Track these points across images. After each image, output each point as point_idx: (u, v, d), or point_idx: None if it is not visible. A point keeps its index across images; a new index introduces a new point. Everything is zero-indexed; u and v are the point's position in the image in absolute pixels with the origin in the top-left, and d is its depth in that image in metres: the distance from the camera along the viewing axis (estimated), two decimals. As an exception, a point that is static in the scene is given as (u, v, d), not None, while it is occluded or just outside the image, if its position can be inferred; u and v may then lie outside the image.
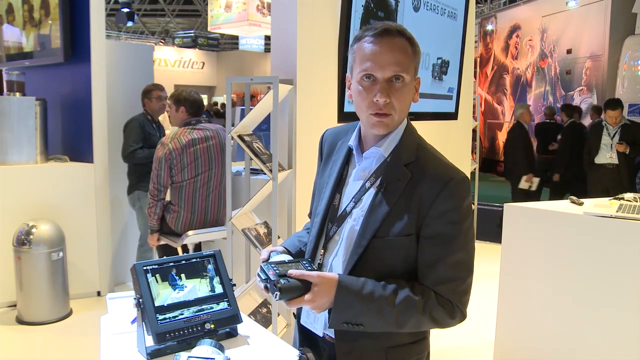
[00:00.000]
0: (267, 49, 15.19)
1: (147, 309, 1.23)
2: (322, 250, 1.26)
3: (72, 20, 4.03)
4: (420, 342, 1.26)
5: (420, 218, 1.15)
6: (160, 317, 1.24)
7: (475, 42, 11.38)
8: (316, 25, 2.75)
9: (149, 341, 1.23)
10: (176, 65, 18.28)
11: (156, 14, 18.30)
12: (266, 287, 1.13)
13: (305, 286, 1.11)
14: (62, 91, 4.27)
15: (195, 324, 1.26)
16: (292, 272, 1.11)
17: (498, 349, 2.96)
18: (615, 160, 5.49)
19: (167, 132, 3.99)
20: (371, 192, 1.20)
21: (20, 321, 3.54)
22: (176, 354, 1.11)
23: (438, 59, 3.62)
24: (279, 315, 2.66)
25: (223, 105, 12.87)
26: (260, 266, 1.17)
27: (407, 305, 1.12)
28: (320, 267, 1.25)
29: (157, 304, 1.25)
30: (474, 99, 5.09)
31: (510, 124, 11.49)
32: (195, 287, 1.32)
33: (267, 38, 13.20)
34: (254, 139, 2.69)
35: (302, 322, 1.31)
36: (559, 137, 6.73)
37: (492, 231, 3.77)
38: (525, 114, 6.17)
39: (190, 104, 3.34)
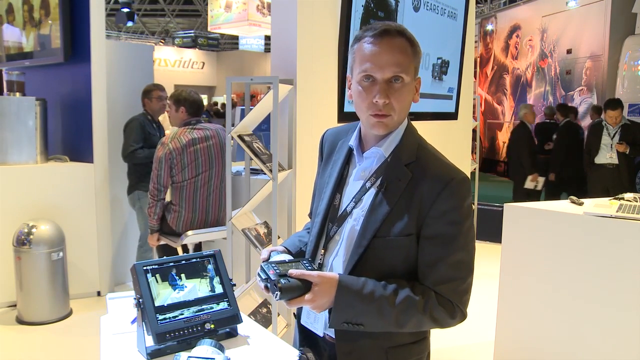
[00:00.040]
0: (267, 49, 15.20)
1: (147, 309, 1.23)
2: (323, 250, 1.26)
3: (72, 20, 4.03)
4: (421, 342, 1.26)
5: (420, 218, 1.15)
6: (160, 317, 1.24)
7: (475, 42, 11.38)
8: (316, 25, 2.75)
9: (149, 341, 1.23)
10: (176, 65, 18.28)
11: (156, 14, 18.31)
12: (266, 287, 1.13)
13: (305, 286, 1.11)
14: (62, 91, 4.27)
15: (195, 324, 1.26)
16: (293, 271, 1.11)
17: (498, 349, 2.96)
18: (615, 160, 5.49)
19: (167, 132, 3.99)
20: (372, 192, 1.20)
21: (20, 321, 3.54)
22: (176, 354, 1.11)
23: (438, 59, 3.62)
24: (279, 315, 2.66)
25: (223, 105, 12.87)
26: (261, 266, 1.17)
27: (407, 305, 1.12)
28: (320, 267, 1.25)
29: (157, 304, 1.25)
30: (474, 99, 5.09)
31: (511, 124, 11.52)
32: (195, 287, 1.32)
33: (267, 38, 13.20)
34: (254, 139, 2.69)
35: (302, 322, 1.31)
36: (554, 136, 6.74)
37: (492, 231, 3.77)
38: (529, 114, 6.18)
39: (190, 104, 3.34)
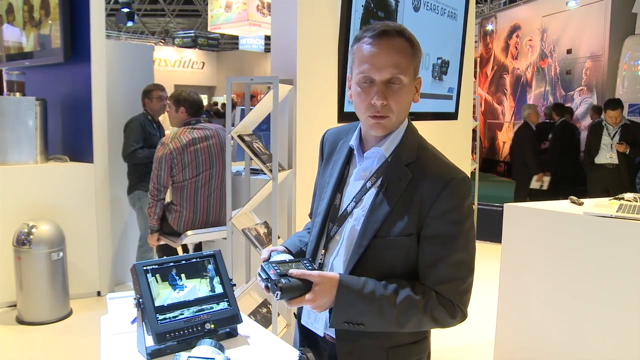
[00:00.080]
0: (267, 49, 15.19)
1: (147, 309, 1.23)
2: (323, 250, 1.26)
3: (72, 20, 4.03)
4: (421, 342, 1.26)
5: (421, 218, 1.15)
6: (160, 317, 1.24)
7: (475, 42, 11.38)
8: (316, 25, 2.75)
9: (149, 341, 1.23)
10: (176, 65, 18.28)
11: (156, 14, 18.30)
12: (267, 287, 1.13)
13: (306, 286, 1.11)
14: (62, 91, 4.27)
15: (195, 324, 1.26)
16: (293, 271, 1.11)
17: (498, 349, 2.96)
18: (615, 160, 5.49)
19: (166, 132, 3.99)
20: (372, 192, 1.20)
21: (20, 321, 3.54)
22: (176, 354, 1.11)
23: (438, 59, 3.62)
24: (279, 315, 2.66)
25: (223, 105, 12.87)
26: (261, 266, 1.17)
27: (408, 305, 1.12)
28: (321, 267, 1.25)
29: (157, 304, 1.25)
30: (474, 99, 5.09)
31: (511, 124, 11.51)
32: (195, 287, 1.32)
33: (267, 38, 13.20)
34: (254, 139, 2.69)
35: (302, 322, 1.31)
36: (550, 136, 6.75)
37: (492, 231, 3.77)
38: (532, 114, 6.18)
39: (190, 105, 3.35)
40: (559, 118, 6.82)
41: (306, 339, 1.32)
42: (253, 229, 2.66)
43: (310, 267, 1.16)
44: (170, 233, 3.28)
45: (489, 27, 12.54)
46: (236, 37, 15.83)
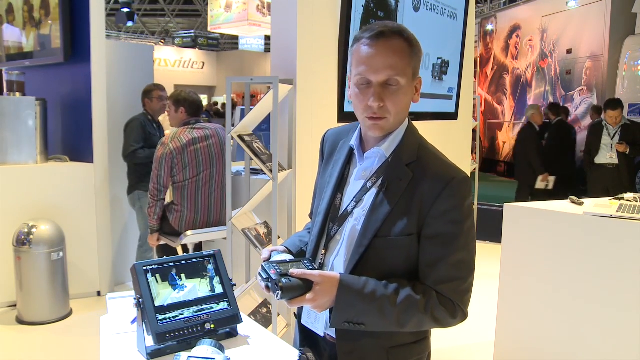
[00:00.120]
0: (267, 49, 15.19)
1: (147, 309, 1.23)
2: (324, 250, 1.26)
3: (72, 20, 4.03)
4: (422, 342, 1.26)
5: (421, 218, 1.15)
6: (160, 317, 1.24)
7: (475, 42, 11.38)
8: (316, 25, 2.75)
9: (149, 341, 1.23)
10: (176, 65, 18.29)
11: (156, 14, 18.31)
12: (267, 287, 1.13)
13: (306, 285, 1.11)
14: (62, 91, 4.27)
15: (195, 324, 1.26)
16: (294, 271, 1.11)
17: (498, 349, 2.96)
18: (615, 160, 5.49)
19: (166, 132, 3.99)
20: (372, 192, 1.20)
21: (20, 321, 3.54)
22: (176, 354, 1.11)
23: (438, 59, 3.62)
24: (279, 315, 2.66)
25: (223, 105, 12.87)
26: (262, 265, 1.17)
27: (408, 305, 1.12)
28: (321, 267, 1.25)
29: (157, 304, 1.25)
30: (474, 99, 5.09)
31: (511, 124, 11.52)
32: (195, 287, 1.32)
33: (267, 38, 13.20)
34: (254, 139, 2.69)
35: (303, 321, 1.31)
36: (546, 135, 6.76)
37: (492, 231, 3.77)
38: (536, 114, 6.17)
39: (189, 105, 3.35)
40: (555, 118, 6.83)
41: (306, 339, 1.32)
42: (253, 229, 2.66)
43: (310, 267, 1.16)
44: (171, 233, 3.28)
45: (489, 27, 12.54)
46: (236, 37, 15.83)
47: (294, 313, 1.37)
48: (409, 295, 1.12)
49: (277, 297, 1.09)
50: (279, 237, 2.64)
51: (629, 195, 2.86)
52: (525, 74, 11.00)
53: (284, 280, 1.10)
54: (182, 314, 1.27)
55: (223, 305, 1.33)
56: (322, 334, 1.27)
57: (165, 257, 1.35)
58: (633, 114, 7.62)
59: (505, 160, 11.73)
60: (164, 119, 4.28)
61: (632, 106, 7.74)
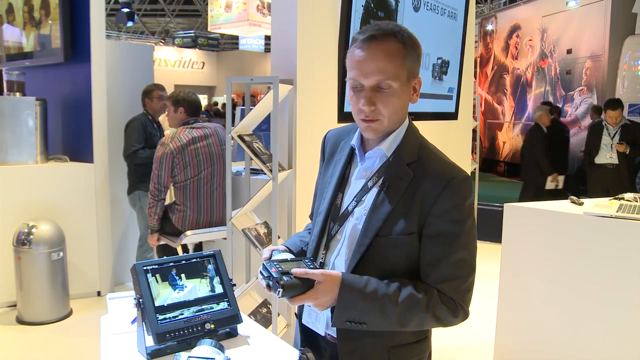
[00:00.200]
0: (267, 49, 15.20)
1: (147, 309, 1.23)
2: (324, 250, 1.26)
3: (72, 20, 4.03)
4: (422, 341, 1.26)
5: (422, 217, 1.15)
6: (160, 317, 1.24)
7: (475, 42, 11.38)
8: (316, 25, 2.75)
9: (149, 341, 1.23)
10: (176, 65, 18.29)
11: (156, 14, 18.31)
12: (268, 286, 1.13)
13: (308, 283, 1.11)
14: (62, 91, 4.27)
15: (195, 324, 1.26)
16: (296, 270, 1.11)
17: (498, 349, 2.96)
18: (615, 160, 5.49)
19: (166, 132, 4.00)
20: (373, 192, 1.20)
21: (20, 321, 3.54)
22: (176, 354, 1.11)
23: (438, 59, 3.62)
24: (279, 315, 2.66)
25: (224, 105, 12.86)
26: (263, 264, 1.17)
27: (410, 304, 1.12)
28: (322, 266, 1.25)
29: (157, 304, 1.25)
30: (474, 99, 5.09)
31: (511, 124, 11.52)
32: (195, 287, 1.32)
33: (267, 38, 13.20)
34: (254, 139, 2.69)
35: (303, 321, 1.31)
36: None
37: (492, 231, 3.78)
38: (544, 115, 6.16)
39: (188, 105, 3.36)
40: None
41: (307, 338, 1.32)
42: (253, 229, 2.66)
43: (311, 266, 1.16)
44: (172, 233, 3.28)
45: (489, 27, 12.54)
46: (236, 37, 15.84)
47: (295, 313, 1.37)
48: (410, 294, 1.13)
49: (278, 295, 1.09)
50: (279, 237, 2.64)
51: (629, 195, 2.86)
52: (525, 74, 11.00)
53: (285, 278, 1.10)
54: (182, 314, 1.27)
55: (223, 305, 1.33)
56: (322, 334, 1.27)
57: (165, 257, 1.35)
58: (633, 114, 7.62)
59: (505, 160, 11.74)
60: (163, 119, 4.28)
61: (632, 106, 7.74)
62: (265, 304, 2.77)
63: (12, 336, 3.39)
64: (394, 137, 1.22)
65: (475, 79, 12.18)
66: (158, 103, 4.04)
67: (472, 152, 5.29)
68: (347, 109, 2.72)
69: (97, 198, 4.00)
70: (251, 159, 2.65)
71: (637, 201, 2.77)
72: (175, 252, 3.44)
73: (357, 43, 1.16)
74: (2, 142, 3.81)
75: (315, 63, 2.75)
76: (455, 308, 1.15)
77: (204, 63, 19.04)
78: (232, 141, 2.70)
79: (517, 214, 2.85)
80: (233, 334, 1.35)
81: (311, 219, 1.43)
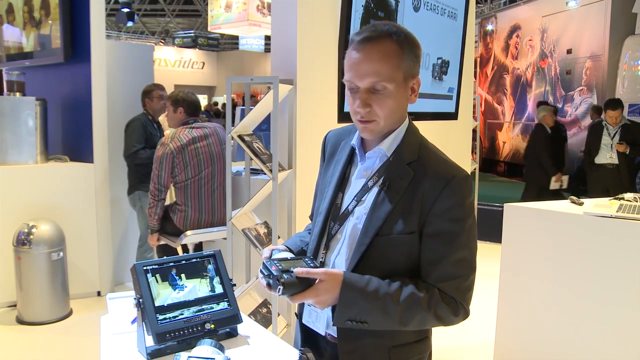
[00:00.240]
0: (267, 49, 15.20)
1: (147, 309, 1.23)
2: (324, 249, 1.26)
3: (72, 20, 4.03)
4: (423, 341, 1.26)
5: (423, 216, 1.15)
6: (160, 317, 1.24)
7: (475, 42, 11.38)
8: (316, 26, 2.75)
9: (149, 341, 1.23)
10: (176, 65, 18.29)
11: (156, 14, 18.31)
12: (269, 284, 1.13)
13: (308, 281, 1.11)
14: (62, 91, 4.27)
15: (195, 324, 1.26)
16: (298, 270, 1.11)
17: (498, 349, 2.96)
18: (615, 160, 5.49)
19: (166, 132, 4.00)
20: (374, 191, 1.20)
21: (20, 321, 3.54)
22: (176, 354, 1.11)
23: (438, 59, 3.62)
24: (279, 315, 2.66)
25: (224, 105, 12.87)
26: (263, 263, 1.17)
27: (412, 302, 1.12)
28: (322, 265, 1.25)
29: (157, 304, 1.25)
30: (474, 99, 5.09)
31: (511, 124, 11.52)
32: (195, 287, 1.32)
33: (267, 38, 13.21)
34: (254, 139, 2.69)
35: (304, 321, 1.31)
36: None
37: (492, 231, 3.78)
38: (548, 116, 6.16)
39: (188, 105, 3.36)
40: None
41: (307, 338, 1.32)
42: (253, 229, 2.66)
43: (311, 265, 1.16)
44: (171, 233, 3.28)
45: (489, 27, 12.54)
46: (236, 37, 15.84)
47: (295, 313, 1.37)
48: (412, 293, 1.13)
49: (278, 292, 1.09)
50: (279, 237, 2.64)
51: (629, 195, 2.86)
52: (525, 74, 11.01)
53: (285, 276, 1.09)
54: (182, 314, 1.27)
55: (223, 305, 1.33)
56: (323, 333, 1.27)
57: (165, 257, 1.35)
58: (633, 114, 7.62)
59: (505, 160, 11.74)
60: (163, 119, 4.28)
61: (632, 106, 7.74)
62: (265, 304, 2.77)
63: (12, 336, 3.39)
64: (394, 136, 1.22)
65: (475, 79, 12.18)
66: (158, 103, 4.04)
67: (472, 152, 5.29)
68: (347, 109, 2.72)
69: (97, 198, 4.00)
70: (251, 159, 2.65)
71: (637, 201, 2.77)
72: (175, 252, 3.44)
73: (353, 44, 1.16)
74: (2, 142, 3.81)
75: (315, 63, 2.75)
76: (456, 307, 1.15)
77: (204, 63, 19.04)
78: (232, 141, 2.70)
79: (517, 214, 2.85)
80: (233, 334, 1.35)
81: (311, 220, 1.43)
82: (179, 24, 19.32)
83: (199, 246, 3.47)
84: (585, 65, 9.00)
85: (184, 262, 1.34)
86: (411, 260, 1.18)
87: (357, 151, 1.27)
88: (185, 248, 3.59)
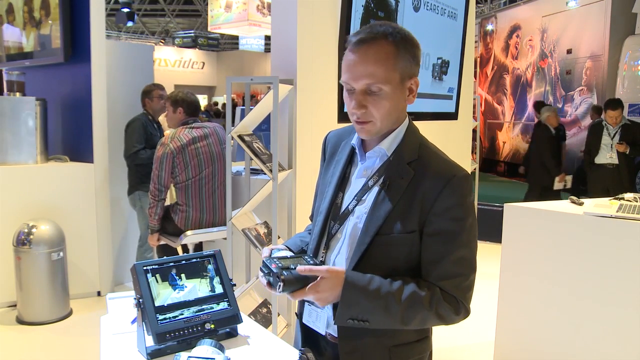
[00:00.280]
0: (267, 49, 15.20)
1: (147, 309, 1.23)
2: (325, 248, 1.26)
3: (72, 20, 4.03)
4: (423, 340, 1.26)
5: (423, 215, 1.16)
6: (160, 317, 1.24)
7: (475, 42, 11.38)
8: (316, 25, 2.75)
9: (149, 341, 1.23)
10: (176, 65, 18.30)
11: (156, 14, 18.31)
12: (269, 283, 1.13)
13: (309, 278, 1.10)
14: (62, 91, 4.27)
15: (195, 324, 1.26)
16: (300, 267, 1.11)
17: (498, 349, 2.96)
18: (615, 160, 5.49)
19: (165, 133, 4.00)
20: (374, 190, 1.21)
21: (20, 321, 3.54)
22: (176, 354, 1.11)
23: (438, 59, 3.62)
24: (279, 315, 2.66)
25: (224, 105, 12.87)
26: (263, 261, 1.17)
27: (413, 301, 1.12)
28: (322, 264, 1.25)
29: (157, 304, 1.25)
30: (474, 99, 5.09)
31: (511, 124, 11.51)
32: (195, 287, 1.32)
33: (267, 38, 13.21)
34: (254, 139, 2.69)
35: (304, 320, 1.31)
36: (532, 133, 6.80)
37: (492, 231, 3.78)
38: (552, 116, 6.16)
39: (187, 105, 3.36)
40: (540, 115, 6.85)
41: (307, 338, 1.32)
42: (253, 229, 2.66)
43: (312, 263, 1.16)
44: (172, 233, 3.28)
45: (489, 27, 12.54)
46: (236, 37, 15.84)
47: (296, 312, 1.37)
48: (413, 291, 1.13)
49: (279, 289, 1.09)
50: (279, 237, 2.64)
51: (629, 195, 2.86)
52: (526, 74, 11.01)
53: (285, 273, 1.09)
54: (182, 314, 1.27)
55: (223, 305, 1.33)
56: (323, 333, 1.27)
57: (165, 257, 1.35)
58: (633, 114, 7.62)
59: (505, 160, 11.74)
60: (163, 119, 4.29)
61: (632, 106, 7.74)
62: (265, 304, 2.77)
63: (12, 336, 3.39)
64: (394, 136, 1.22)
65: (475, 79, 12.18)
66: (158, 102, 4.04)
67: (472, 152, 5.29)
68: (347, 109, 2.72)
69: (97, 198, 4.00)
70: (251, 159, 2.65)
71: (637, 201, 2.77)
72: (175, 252, 3.44)
73: (350, 46, 1.17)
74: (2, 142, 3.81)
75: (315, 63, 2.75)
76: (457, 306, 1.16)
77: (204, 63, 19.05)
78: (232, 141, 2.70)
79: (517, 214, 2.85)
80: (233, 334, 1.35)
81: (311, 220, 1.43)
82: (179, 24, 19.32)
83: (199, 246, 3.47)
84: (585, 65, 9.00)
85: (184, 262, 1.34)
86: (411, 259, 1.18)
87: (357, 151, 1.27)
88: (185, 248, 3.59)
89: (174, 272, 1.31)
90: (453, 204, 1.15)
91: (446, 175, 1.16)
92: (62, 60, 4.05)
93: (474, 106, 5.11)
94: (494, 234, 3.44)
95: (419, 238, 1.17)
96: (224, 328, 1.32)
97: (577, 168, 7.76)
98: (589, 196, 3.80)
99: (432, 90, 3.64)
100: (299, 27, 2.65)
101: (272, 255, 1.21)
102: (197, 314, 1.29)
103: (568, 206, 2.78)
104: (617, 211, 2.52)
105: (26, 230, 3.47)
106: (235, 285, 1.40)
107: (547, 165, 5.99)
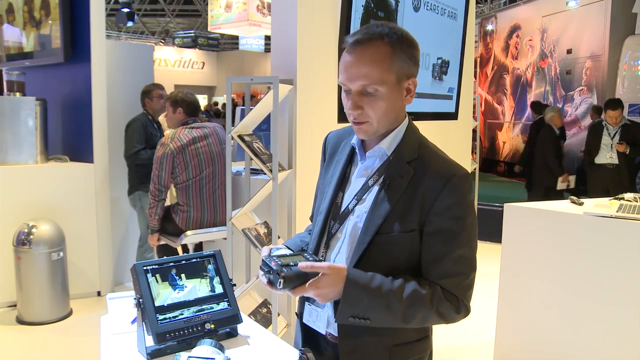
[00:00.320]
0: (267, 49, 15.20)
1: (147, 309, 1.23)
2: (325, 248, 1.26)
3: (72, 20, 4.03)
4: (423, 340, 1.26)
5: (423, 214, 1.16)
6: (160, 317, 1.24)
7: (475, 42, 11.37)
8: (316, 25, 2.75)
9: (149, 341, 1.23)
10: (176, 65, 18.30)
11: (156, 14, 18.31)
12: (269, 281, 1.13)
13: (309, 275, 1.10)
14: (62, 91, 4.27)
15: (195, 324, 1.26)
16: (302, 263, 1.11)
17: (498, 349, 2.96)
18: (615, 160, 5.49)
19: (165, 133, 4.00)
20: (374, 190, 1.21)
21: (20, 321, 3.54)
22: (176, 354, 1.11)
23: (438, 59, 3.62)
24: (279, 315, 2.66)
25: (224, 105, 12.87)
26: (262, 260, 1.17)
27: (414, 299, 1.12)
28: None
29: (157, 304, 1.25)
30: (474, 99, 5.09)
31: (511, 124, 11.51)
32: (195, 287, 1.32)
33: (267, 38, 13.21)
34: (254, 139, 2.69)
35: (304, 320, 1.31)
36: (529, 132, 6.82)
37: (492, 231, 3.78)
38: (555, 117, 6.16)
39: (187, 105, 3.36)
40: (537, 115, 6.86)
41: (307, 338, 1.32)
42: (253, 229, 2.66)
43: (310, 259, 1.16)
44: (172, 233, 3.28)
45: (489, 27, 12.54)
46: (236, 37, 15.84)
47: (296, 312, 1.37)
48: (415, 289, 1.13)
49: (279, 286, 1.09)
50: (279, 237, 2.64)
51: (629, 195, 2.86)
52: (526, 74, 11.01)
53: (285, 269, 1.09)
54: (182, 314, 1.27)
55: (223, 305, 1.33)
56: (323, 332, 1.27)
57: (165, 257, 1.35)
58: (633, 114, 7.62)
59: (505, 160, 11.74)
60: (163, 119, 4.29)
61: (632, 106, 7.74)
62: (265, 304, 2.77)
63: (12, 336, 3.39)
64: (394, 135, 1.22)
65: (475, 79, 12.18)
66: (158, 102, 4.04)
67: (472, 152, 5.29)
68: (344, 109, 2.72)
69: (97, 198, 4.00)
70: (251, 159, 2.65)
71: (637, 201, 2.77)
72: (175, 252, 3.44)
73: (346, 47, 1.17)
74: (2, 142, 3.81)
75: (315, 63, 2.75)
76: (457, 304, 1.16)
77: (204, 63, 19.05)
78: (232, 141, 2.70)
79: (517, 214, 2.85)
80: (233, 334, 1.35)
81: (312, 221, 1.43)
82: (179, 24, 19.32)
83: (199, 246, 3.47)
84: (585, 65, 9.00)
85: (184, 262, 1.34)
86: (412, 258, 1.18)
87: (357, 150, 1.27)
88: (185, 248, 3.59)
89: (174, 272, 1.31)
90: (453, 202, 1.15)
91: (446, 174, 1.16)
92: (62, 60, 4.05)
93: (474, 106, 5.11)
94: (494, 234, 3.44)
95: (419, 237, 1.17)
96: (224, 328, 1.32)
97: (577, 168, 7.76)
98: (589, 196, 3.80)
99: (432, 90, 3.64)
100: (299, 27, 2.65)
101: (272, 254, 1.21)
102: (197, 314, 1.28)
103: (568, 206, 2.78)
104: (617, 211, 2.52)
105: (26, 230, 3.47)
106: (235, 285, 1.40)
107: (550, 165, 5.99)
